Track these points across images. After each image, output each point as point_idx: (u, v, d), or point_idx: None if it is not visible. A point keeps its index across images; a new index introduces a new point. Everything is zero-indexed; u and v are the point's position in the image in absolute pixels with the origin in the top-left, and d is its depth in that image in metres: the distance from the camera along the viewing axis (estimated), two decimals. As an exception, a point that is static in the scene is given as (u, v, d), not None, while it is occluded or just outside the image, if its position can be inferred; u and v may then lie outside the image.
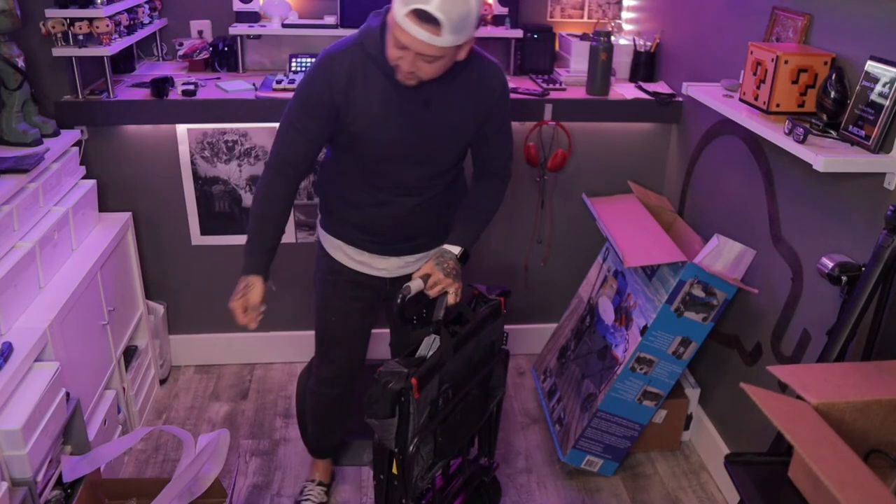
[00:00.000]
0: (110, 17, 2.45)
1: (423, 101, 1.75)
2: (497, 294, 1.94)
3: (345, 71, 1.72)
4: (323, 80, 1.74)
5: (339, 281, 2.04)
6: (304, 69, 2.92)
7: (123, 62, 2.87)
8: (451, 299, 1.81)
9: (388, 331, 2.31)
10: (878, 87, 1.66)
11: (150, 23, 2.84)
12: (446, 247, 1.87)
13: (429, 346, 1.76)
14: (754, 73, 1.92)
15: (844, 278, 1.68)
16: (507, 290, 1.96)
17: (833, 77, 1.77)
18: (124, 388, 2.56)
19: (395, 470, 1.72)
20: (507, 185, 1.99)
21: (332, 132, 1.82)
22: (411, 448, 1.67)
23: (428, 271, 1.81)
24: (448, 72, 1.70)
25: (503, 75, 1.87)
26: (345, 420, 2.29)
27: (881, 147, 1.66)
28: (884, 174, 1.70)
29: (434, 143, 1.83)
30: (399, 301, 1.73)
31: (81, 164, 2.57)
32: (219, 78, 2.86)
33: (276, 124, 2.66)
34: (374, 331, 2.19)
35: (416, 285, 1.78)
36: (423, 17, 1.54)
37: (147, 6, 2.81)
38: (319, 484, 2.37)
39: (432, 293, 1.80)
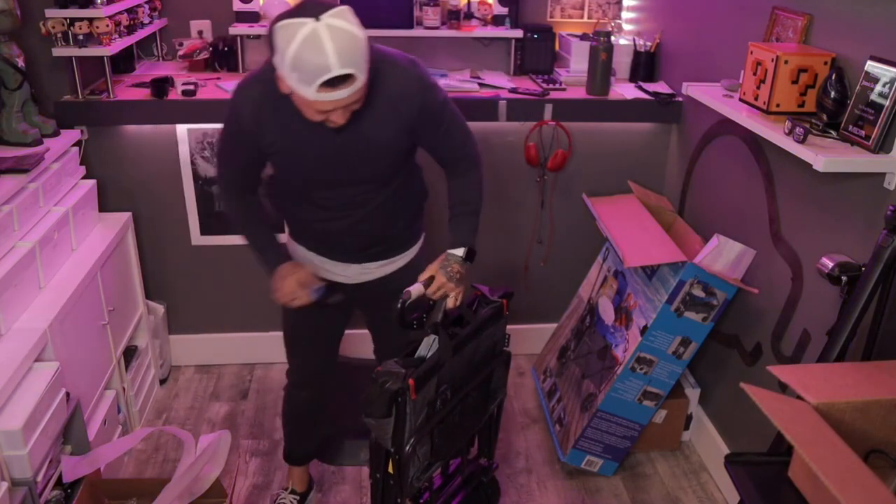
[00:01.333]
0: (110, 17, 2.45)
1: (334, 128, 1.66)
2: (499, 296, 1.93)
3: (253, 104, 1.71)
4: (233, 114, 1.75)
5: None
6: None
7: (123, 62, 2.87)
8: (450, 303, 1.81)
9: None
10: (878, 87, 1.66)
11: (150, 23, 2.84)
12: (450, 251, 1.86)
13: (428, 346, 1.76)
14: (754, 73, 1.92)
15: (844, 278, 1.68)
16: (509, 292, 1.95)
17: (833, 77, 1.77)
18: (124, 388, 2.55)
19: (391, 470, 1.72)
20: (480, 169, 1.91)
21: (258, 158, 1.83)
22: (408, 448, 1.67)
23: (432, 274, 1.81)
24: None
25: (418, 76, 1.73)
26: (316, 427, 2.30)
27: (881, 147, 1.66)
28: (884, 174, 1.70)
29: (356, 165, 1.77)
30: (399, 306, 1.74)
31: (81, 164, 2.57)
32: (219, 78, 2.86)
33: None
34: (359, 332, 2.19)
35: (416, 290, 1.78)
36: (332, 83, 1.49)
37: (147, 6, 2.81)
38: (292, 492, 2.36)
39: (435, 297, 1.80)
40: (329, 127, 1.64)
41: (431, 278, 1.81)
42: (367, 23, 2.90)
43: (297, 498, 2.35)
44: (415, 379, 1.62)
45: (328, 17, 1.46)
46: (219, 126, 2.64)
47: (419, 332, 1.79)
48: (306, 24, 1.45)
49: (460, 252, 1.84)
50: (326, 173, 1.78)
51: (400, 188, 1.88)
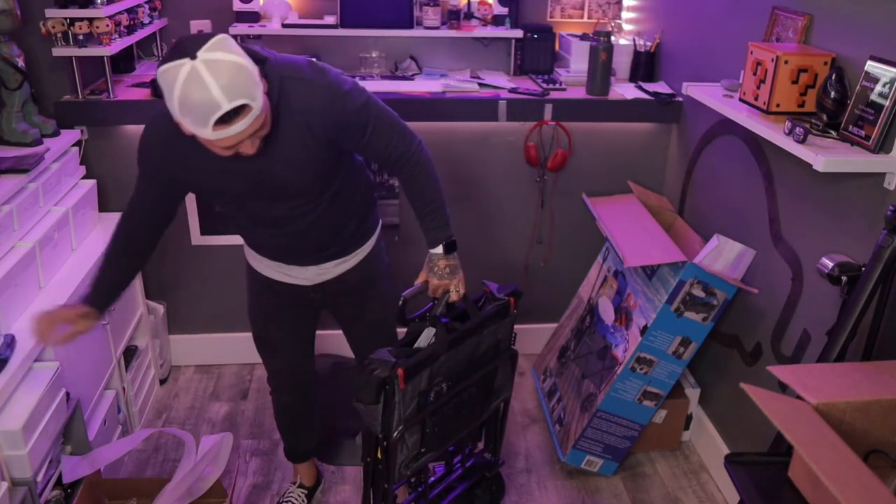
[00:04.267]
0: (110, 17, 2.45)
1: (251, 156, 1.59)
2: (507, 294, 1.93)
3: (162, 148, 1.66)
4: (145, 152, 1.70)
5: (262, 290, 2.02)
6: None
7: (123, 62, 2.87)
8: (453, 297, 1.82)
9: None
10: (878, 87, 1.66)
11: (150, 23, 2.84)
12: (431, 251, 1.84)
13: (427, 338, 1.78)
14: (754, 73, 1.92)
15: (844, 278, 1.68)
16: (518, 291, 1.94)
17: (833, 77, 1.77)
18: (124, 388, 2.55)
19: (379, 455, 1.74)
20: (426, 164, 1.80)
21: (172, 196, 1.80)
22: (395, 435, 1.68)
23: (424, 279, 1.82)
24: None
25: (326, 86, 1.63)
26: (307, 426, 2.29)
27: (881, 147, 1.66)
28: (884, 174, 1.70)
29: (281, 184, 1.70)
30: (400, 303, 1.76)
31: (81, 164, 2.57)
32: (219, 78, 2.86)
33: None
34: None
35: (409, 294, 1.80)
36: (226, 119, 1.42)
37: (147, 6, 2.80)
38: (300, 486, 2.37)
39: (436, 295, 1.82)
40: (245, 156, 1.56)
41: (426, 284, 1.82)
42: (367, 23, 2.92)
43: (306, 492, 2.37)
44: (404, 369, 1.64)
45: (205, 53, 1.39)
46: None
47: (419, 324, 1.80)
48: (184, 65, 1.38)
49: (439, 249, 1.82)
50: (254, 199, 1.74)
51: (341, 192, 1.83)
